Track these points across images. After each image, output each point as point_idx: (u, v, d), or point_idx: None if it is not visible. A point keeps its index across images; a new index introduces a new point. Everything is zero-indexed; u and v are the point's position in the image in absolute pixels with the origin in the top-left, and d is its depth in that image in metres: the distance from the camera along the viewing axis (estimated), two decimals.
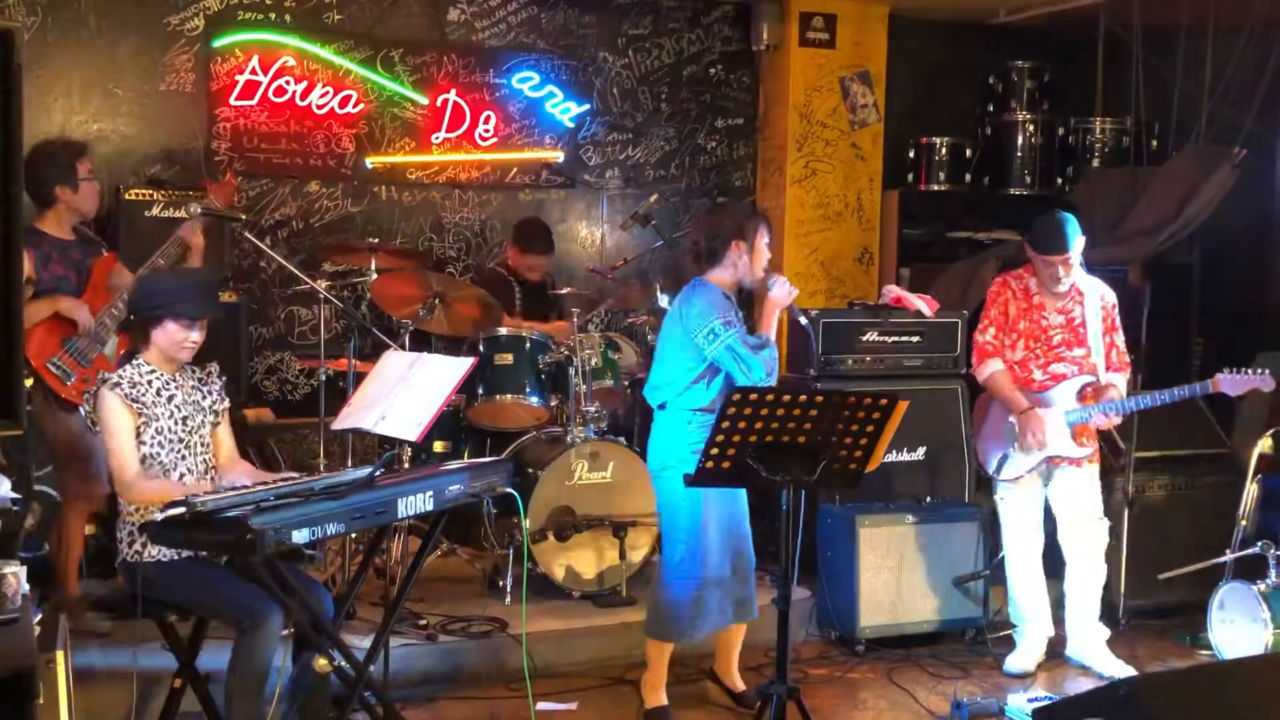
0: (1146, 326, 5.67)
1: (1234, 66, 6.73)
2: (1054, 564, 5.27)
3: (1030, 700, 4.57)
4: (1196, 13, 6.64)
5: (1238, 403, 6.06)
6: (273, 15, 6.72)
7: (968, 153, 7.86)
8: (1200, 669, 4.94)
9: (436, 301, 5.53)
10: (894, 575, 5.38)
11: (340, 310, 5.34)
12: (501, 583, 5.50)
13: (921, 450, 5.83)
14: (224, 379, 4.18)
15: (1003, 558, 5.32)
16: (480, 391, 5.67)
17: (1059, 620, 5.32)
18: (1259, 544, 5.14)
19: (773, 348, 4.37)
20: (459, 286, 5.78)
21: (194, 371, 4.06)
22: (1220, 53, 6.75)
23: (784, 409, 3.68)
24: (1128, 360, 5.16)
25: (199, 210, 5.00)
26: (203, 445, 4.02)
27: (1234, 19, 6.73)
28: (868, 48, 7.73)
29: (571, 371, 5.58)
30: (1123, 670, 5.11)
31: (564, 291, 6.27)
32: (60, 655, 3.02)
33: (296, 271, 5.34)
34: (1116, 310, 5.15)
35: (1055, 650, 5.31)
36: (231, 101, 6.63)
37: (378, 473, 3.72)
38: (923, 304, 5.86)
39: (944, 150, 7.80)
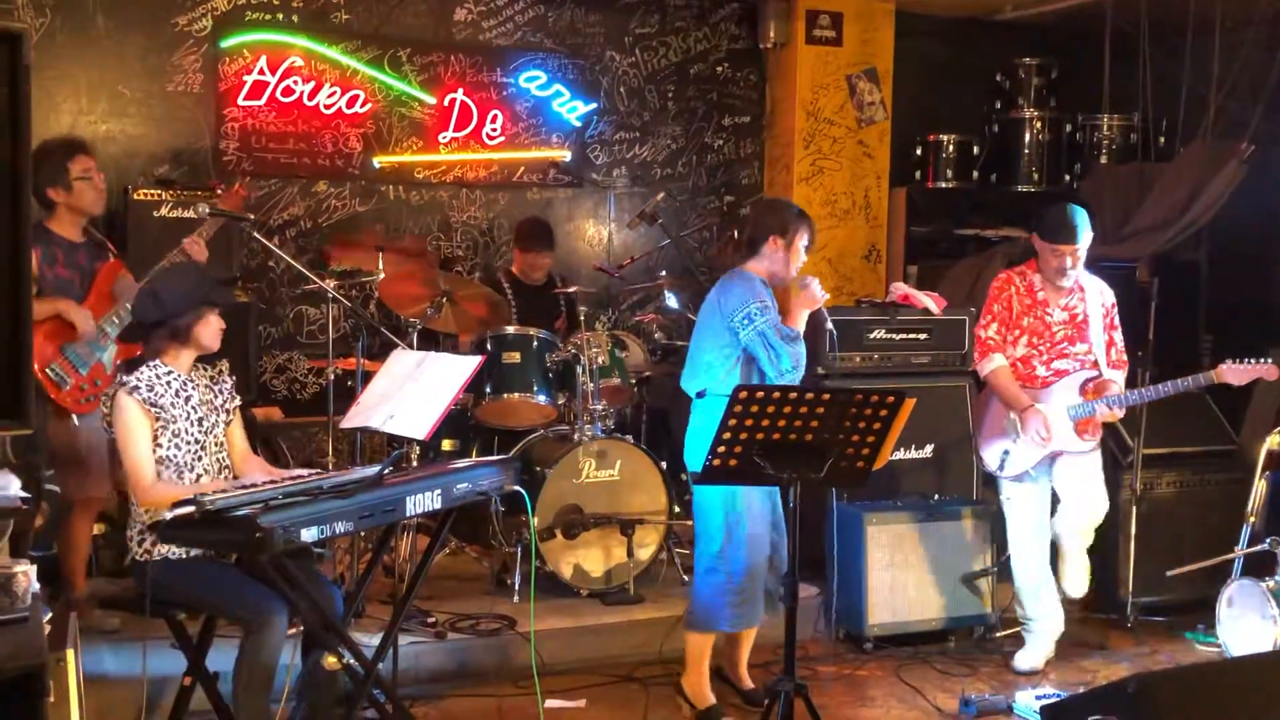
0: (1154, 322, 5.65)
1: (1241, 62, 6.71)
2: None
3: (1039, 697, 4.58)
4: (1203, 8, 6.63)
5: (1246, 400, 6.06)
6: (280, 15, 6.74)
7: (975, 150, 7.86)
8: (1208, 666, 4.93)
9: (444, 300, 5.53)
10: (902, 573, 5.38)
11: (348, 309, 5.35)
12: (510, 581, 5.51)
13: (929, 448, 5.82)
14: (233, 378, 4.19)
15: (1010, 555, 5.32)
16: (488, 390, 5.68)
17: (1068, 618, 5.31)
18: (1267, 540, 5.13)
19: (802, 344, 4.39)
20: (466, 285, 5.79)
21: (205, 370, 4.08)
22: (1228, 48, 6.73)
23: (791, 407, 3.68)
24: (1126, 359, 5.15)
25: (207, 210, 4.99)
26: (217, 445, 4.03)
27: (1241, 14, 6.72)
28: (875, 45, 7.73)
29: (579, 370, 5.59)
30: (1077, 590, 5.16)
31: (571, 290, 6.27)
32: (71, 654, 3.03)
33: (305, 271, 5.36)
34: (1116, 309, 5.15)
35: (1063, 647, 5.30)
36: (239, 101, 6.65)
37: (386, 471, 3.73)
38: (930, 301, 5.86)
39: (951, 147, 7.80)
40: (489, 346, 5.68)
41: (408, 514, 3.77)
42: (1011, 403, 5.05)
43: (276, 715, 3.79)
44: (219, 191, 5.91)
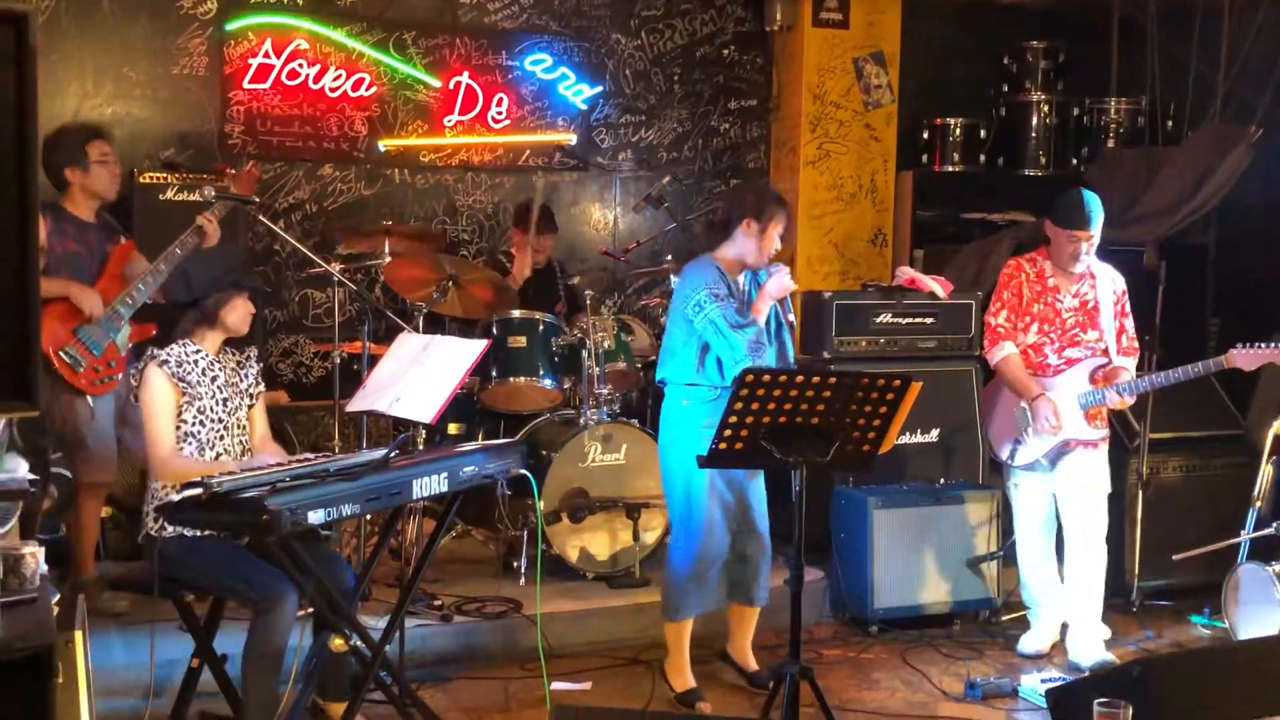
0: (1162, 307, 5.63)
1: (1250, 45, 6.68)
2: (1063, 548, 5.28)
3: (1043, 681, 4.59)
4: None
5: (1253, 384, 6.05)
6: None
7: (982, 133, 7.82)
8: (1214, 650, 4.94)
9: (450, 284, 5.54)
10: (907, 557, 5.39)
11: (354, 293, 5.35)
12: (516, 564, 5.52)
13: (935, 432, 5.82)
14: (260, 364, 4.24)
15: (1015, 540, 5.32)
16: (494, 374, 5.69)
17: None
18: (1273, 525, 5.13)
19: (757, 331, 4.35)
20: (472, 269, 5.79)
21: (233, 354, 4.13)
22: (1236, 31, 6.70)
23: (797, 390, 3.68)
24: (1136, 346, 5.14)
25: (213, 193, 5.00)
26: (239, 427, 4.07)
27: None
28: (881, 28, 7.70)
29: (584, 354, 5.60)
30: (1089, 657, 5.00)
31: (574, 281, 6.26)
32: (79, 635, 3.04)
33: (311, 254, 5.36)
34: (1127, 295, 5.13)
35: (1069, 632, 5.30)
36: (245, 85, 6.64)
37: (392, 454, 3.74)
38: (937, 285, 5.85)
39: (958, 131, 7.77)
40: (494, 330, 5.68)
41: (414, 497, 3.78)
42: (1021, 391, 5.04)
43: (284, 697, 3.80)
44: (228, 174, 5.90)
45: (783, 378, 3.68)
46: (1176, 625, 5.58)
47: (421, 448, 5.19)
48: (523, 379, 5.71)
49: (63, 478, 5.00)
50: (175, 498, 3.43)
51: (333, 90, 6.82)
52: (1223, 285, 7.22)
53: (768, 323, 4.51)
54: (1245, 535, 5.25)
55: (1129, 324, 5.11)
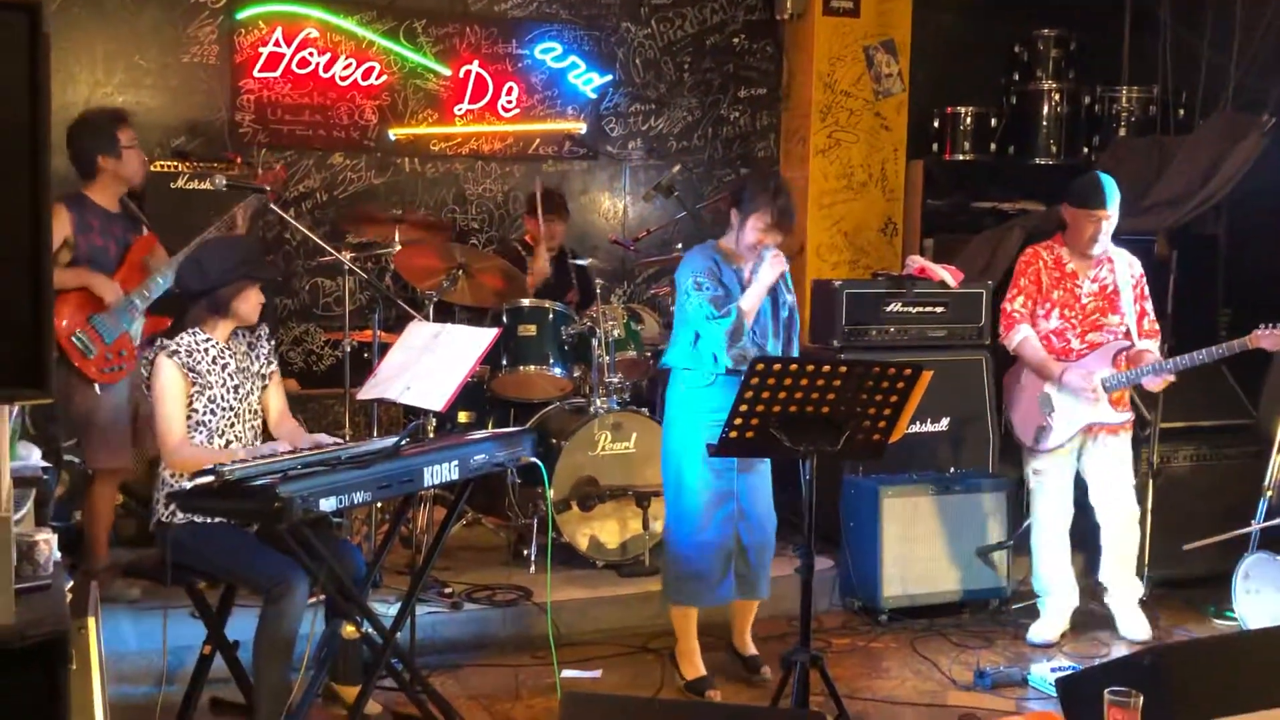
0: (1173, 296, 5.63)
1: (1262, 34, 6.65)
2: (1079, 536, 5.27)
3: (1054, 670, 4.59)
4: None
5: (1263, 374, 6.03)
6: None
7: (993, 122, 7.79)
8: (1224, 640, 4.91)
9: (460, 273, 5.54)
10: (917, 546, 5.39)
11: (364, 282, 5.36)
12: (526, 552, 5.54)
13: (945, 421, 5.82)
14: (272, 341, 4.24)
15: (1026, 528, 5.32)
16: (504, 362, 5.70)
17: (1084, 589, 5.32)
18: None
19: (734, 322, 4.31)
20: (482, 258, 5.80)
21: (244, 336, 4.12)
22: (1248, 20, 6.67)
23: (808, 379, 3.68)
24: (1158, 328, 5.14)
25: (224, 183, 5.02)
26: (251, 412, 4.09)
27: None
28: (892, 16, 7.67)
29: (594, 343, 5.60)
30: (1142, 633, 5.13)
31: (587, 262, 6.25)
32: (92, 621, 3.05)
33: (321, 243, 5.36)
34: (1144, 279, 5.14)
35: (1078, 620, 5.31)
36: (255, 74, 6.64)
37: (403, 442, 3.75)
38: (947, 274, 5.84)
39: (969, 120, 7.74)
40: (505, 319, 5.69)
41: (425, 485, 3.79)
42: (1043, 371, 5.04)
43: (296, 684, 3.82)
44: (239, 163, 5.91)
45: (793, 367, 3.68)
46: (1187, 615, 5.57)
47: (432, 436, 5.20)
48: (533, 367, 5.72)
49: (76, 465, 5.03)
50: (188, 485, 3.44)
51: (343, 79, 6.82)
52: (1233, 275, 7.19)
53: (774, 311, 4.50)
54: (1256, 524, 5.24)
55: (1149, 307, 5.12)
